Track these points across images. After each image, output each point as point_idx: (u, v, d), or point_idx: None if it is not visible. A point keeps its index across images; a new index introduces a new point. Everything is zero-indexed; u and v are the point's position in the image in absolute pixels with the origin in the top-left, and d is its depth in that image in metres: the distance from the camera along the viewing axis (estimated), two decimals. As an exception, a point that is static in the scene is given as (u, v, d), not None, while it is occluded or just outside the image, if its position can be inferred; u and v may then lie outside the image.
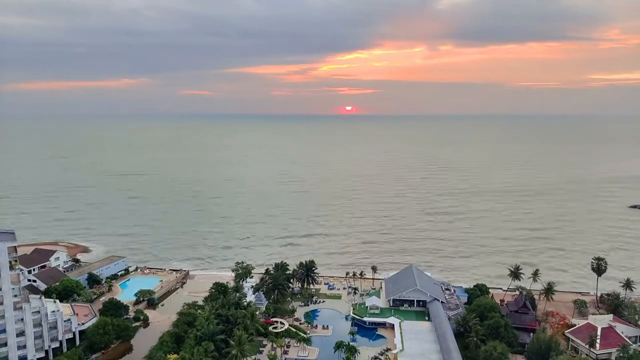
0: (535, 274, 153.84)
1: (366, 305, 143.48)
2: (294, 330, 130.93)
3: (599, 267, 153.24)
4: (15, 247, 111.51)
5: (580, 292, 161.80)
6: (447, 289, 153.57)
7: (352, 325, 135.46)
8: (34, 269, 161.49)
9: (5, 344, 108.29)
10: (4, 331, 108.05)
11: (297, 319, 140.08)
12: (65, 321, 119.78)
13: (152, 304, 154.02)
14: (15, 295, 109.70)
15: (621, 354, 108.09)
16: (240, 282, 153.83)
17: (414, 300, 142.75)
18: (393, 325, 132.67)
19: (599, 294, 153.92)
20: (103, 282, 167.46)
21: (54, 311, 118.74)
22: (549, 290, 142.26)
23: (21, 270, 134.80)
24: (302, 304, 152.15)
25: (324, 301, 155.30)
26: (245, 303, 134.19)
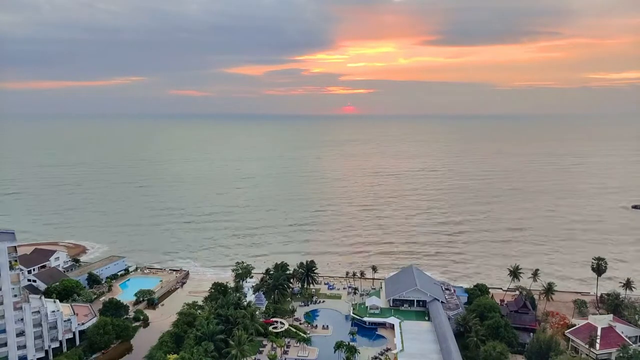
0: (535, 274, 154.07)
1: (366, 305, 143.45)
2: (294, 330, 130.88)
3: (599, 267, 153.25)
4: (15, 247, 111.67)
5: (580, 292, 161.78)
6: (447, 289, 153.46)
7: (352, 325, 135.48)
8: (34, 269, 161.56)
9: (5, 344, 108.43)
10: (4, 331, 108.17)
11: (297, 319, 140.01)
12: (65, 321, 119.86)
13: (152, 304, 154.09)
14: (15, 295, 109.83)
15: (621, 354, 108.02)
16: (240, 282, 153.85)
17: (414, 300, 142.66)
18: (393, 325, 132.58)
19: (599, 294, 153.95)
20: (103, 282, 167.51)
21: (54, 311, 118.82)
22: (549, 290, 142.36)
23: (21, 270, 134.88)
24: (302, 304, 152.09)
25: (324, 301, 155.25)
26: (245, 303, 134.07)
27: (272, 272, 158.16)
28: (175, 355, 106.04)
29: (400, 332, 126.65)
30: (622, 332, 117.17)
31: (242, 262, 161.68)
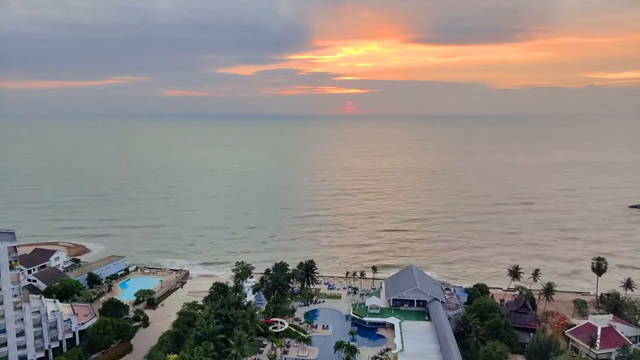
0: (535, 274, 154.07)
1: (366, 305, 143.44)
2: (294, 330, 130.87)
3: (599, 267, 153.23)
4: (15, 247, 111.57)
5: (580, 292, 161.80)
6: (447, 289, 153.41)
7: (352, 325, 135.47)
8: (34, 269, 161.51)
9: (5, 344, 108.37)
10: (4, 331, 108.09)
11: (297, 319, 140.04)
12: (65, 321, 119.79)
13: (152, 304, 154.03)
14: (15, 295, 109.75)
15: (621, 354, 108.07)
16: (240, 282, 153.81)
17: (414, 300, 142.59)
18: (393, 325, 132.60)
19: (599, 294, 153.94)
20: (103, 282, 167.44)
21: (53, 311, 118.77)
22: (549, 290, 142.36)
23: (21, 270, 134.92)
24: (302, 304, 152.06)
25: (324, 301, 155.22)
26: (245, 303, 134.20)
27: (272, 272, 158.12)
28: (175, 355, 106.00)
29: (400, 332, 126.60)
30: (622, 332, 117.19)
31: (242, 262, 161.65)
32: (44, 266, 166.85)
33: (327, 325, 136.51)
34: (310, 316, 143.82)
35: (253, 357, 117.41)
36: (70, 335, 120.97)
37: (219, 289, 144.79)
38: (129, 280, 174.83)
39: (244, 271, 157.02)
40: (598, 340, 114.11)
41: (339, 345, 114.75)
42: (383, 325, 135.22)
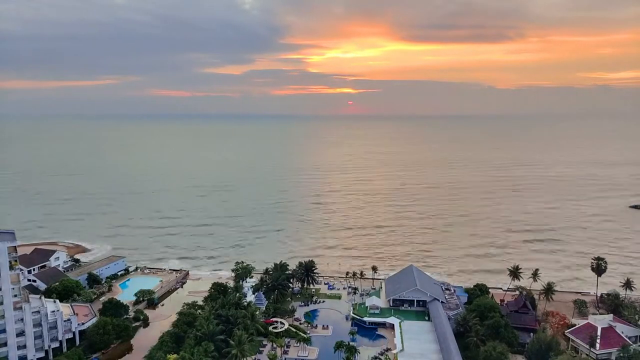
0: (535, 274, 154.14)
1: (366, 305, 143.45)
2: (294, 330, 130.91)
3: (599, 267, 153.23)
4: (15, 247, 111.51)
5: (580, 292, 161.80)
6: (447, 289, 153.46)
7: (352, 325, 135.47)
8: (34, 269, 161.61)
9: (5, 344, 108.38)
10: (4, 331, 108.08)
11: (297, 319, 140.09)
12: (65, 321, 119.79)
13: (152, 304, 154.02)
14: (15, 295, 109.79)
15: (621, 354, 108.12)
16: (240, 282, 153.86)
17: (414, 300, 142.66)
18: (393, 325, 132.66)
19: (599, 294, 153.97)
20: (103, 282, 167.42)
21: (53, 311, 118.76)
22: (549, 290, 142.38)
23: (21, 270, 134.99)
24: (302, 304, 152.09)
25: (324, 301, 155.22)
26: (245, 303, 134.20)
27: (272, 272, 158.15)
28: (175, 355, 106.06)
29: (400, 332, 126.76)
30: (622, 332, 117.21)
31: (242, 262, 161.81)
32: (44, 266, 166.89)
33: (327, 325, 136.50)
34: (310, 316, 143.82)
35: (253, 357, 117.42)
36: (70, 335, 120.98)
37: (218, 289, 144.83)
38: (129, 280, 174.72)
39: (244, 271, 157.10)
40: (598, 340, 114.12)
41: (339, 345, 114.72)
42: (383, 325, 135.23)
